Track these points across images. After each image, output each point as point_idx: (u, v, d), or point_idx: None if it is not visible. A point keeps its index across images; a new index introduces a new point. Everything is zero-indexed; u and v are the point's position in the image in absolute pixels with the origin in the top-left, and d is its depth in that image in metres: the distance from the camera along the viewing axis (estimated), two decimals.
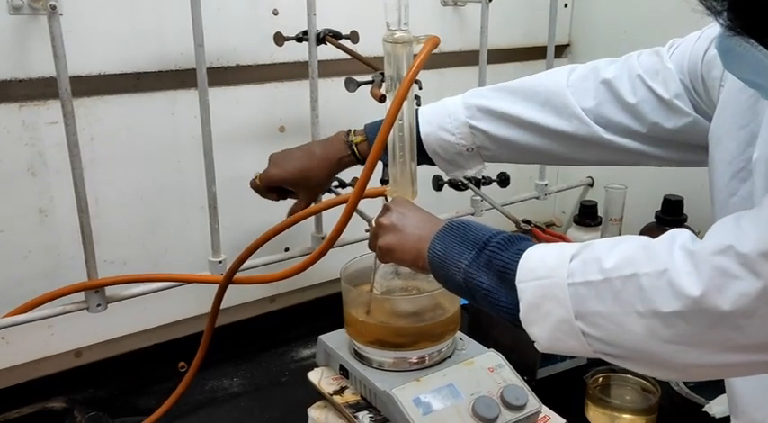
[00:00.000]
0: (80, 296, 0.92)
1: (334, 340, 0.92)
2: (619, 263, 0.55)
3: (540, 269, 0.60)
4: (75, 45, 0.86)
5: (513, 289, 0.61)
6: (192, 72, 0.95)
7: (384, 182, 0.90)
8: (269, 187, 0.96)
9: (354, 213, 0.79)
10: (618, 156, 0.83)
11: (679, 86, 0.76)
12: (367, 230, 0.85)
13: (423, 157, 0.88)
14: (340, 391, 0.88)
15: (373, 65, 0.86)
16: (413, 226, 0.73)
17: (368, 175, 0.74)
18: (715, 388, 0.95)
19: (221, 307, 0.95)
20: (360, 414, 0.83)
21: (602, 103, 0.81)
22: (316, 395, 0.93)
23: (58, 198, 0.94)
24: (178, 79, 1.01)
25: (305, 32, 1.02)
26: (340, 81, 0.97)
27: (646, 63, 0.79)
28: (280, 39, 1.02)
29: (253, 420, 0.98)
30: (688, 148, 0.79)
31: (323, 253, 0.85)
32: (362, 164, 0.92)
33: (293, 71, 1.10)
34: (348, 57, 1.03)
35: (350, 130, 0.93)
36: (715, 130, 0.69)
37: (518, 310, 0.61)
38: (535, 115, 0.84)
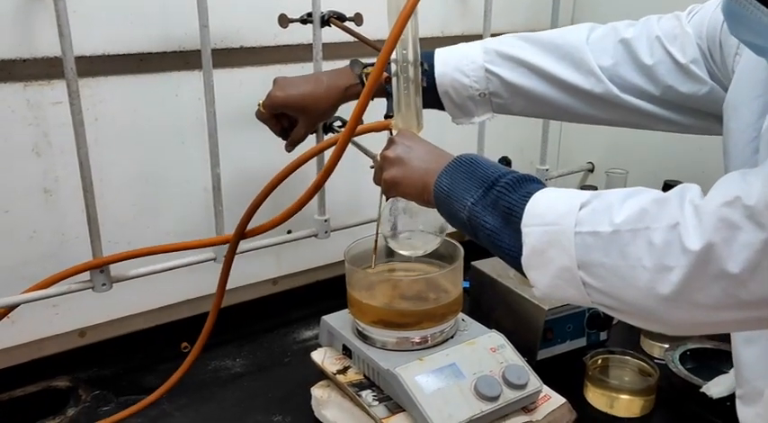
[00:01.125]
0: (85, 276, 0.92)
1: (338, 321, 0.93)
2: (630, 216, 0.55)
3: (548, 215, 0.60)
4: (79, 25, 0.86)
5: (518, 232, 0.62)
6: (196, 53, 0.96)
7: (388, 117, 0.90)
8: (272, 113, 0.95)
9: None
10: (630, 117, 0.84)
11: (696, 52, 0.77)
12: (372, 167, 0.83)
13: (433, 99, 0.88)
14: (343, 371, 0.89)
15: (378, 47, 0.86)
16: (419, 159, 0.73)
17: (368, 95, 0.70)
18: (713, 369, 0.97)
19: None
20: (363, 393, 0.84)
21: (619, 63, 0.82)
22: (318, 375, 0.94)
23: (62, 178, 0.95)
24: (182, 60, 1.01)
25: (309, 14, 1.02)
26: (344, 64, 0.97)
27: (665, 26, 0.80)
28: (284, 20, 1.02)
29: (256, 400, 0.99)
30: (700, 114, 0.80)
31: (322, 182, 0.81)
32: (372, 98, 0.92)
33: (297, 54, 1.10)
34: (352, 40, 1.03)
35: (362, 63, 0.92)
36: (731, 100, 0.69)
37: (520, 254, 0.62)
38: (553, 67, 0.84)
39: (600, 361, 1.00)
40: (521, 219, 0.62)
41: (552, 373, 0.88)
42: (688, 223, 0.52)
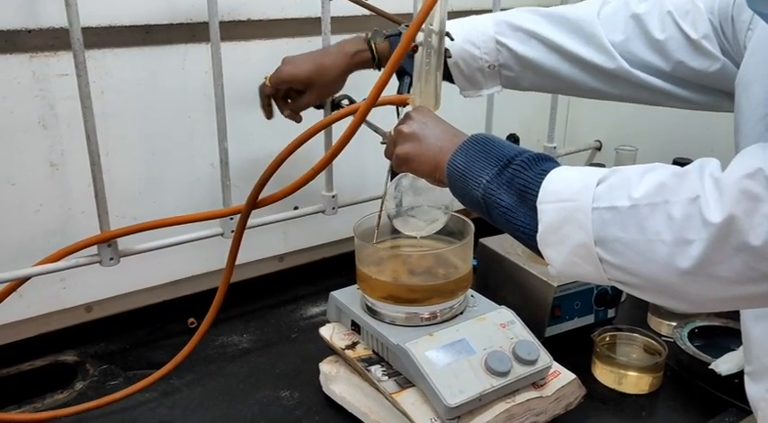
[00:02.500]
0: (93, 250, 0.92)
1: (346, 296, 0.93)
2: (649, 190, 0.55)
3: (564, 192, 0.59)
4: None
5: (533, 210, 0.61)
6: (204, 25, 0.94)
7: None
8: (277, 88, 0.94)
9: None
10: (640, 93, 0.83)
11: (708, 27, 0.76)
12: (382, 142, 0.82)
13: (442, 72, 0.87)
14: (352, 346, 0.89)
15: (393, 18, 0.84)
16: (434, 137, 0.72)
17: (391, 71, 0.69)
18: (721, 347, 0.96)
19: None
20: (372, 368, 0.84)
21: (630, 38, 0.81)
22: (326, 350, 0.94)
23: (69, 151, 0.94)
24: (189, 32, 0.99)
25: None
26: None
27: (677, 1, 0.79)
28: None
29: (264, 375, 0.99)
30: (711, 91, 0.79)
31: (338, 150, 0.77)
32: (378, 66, 0.92)
33: (305, 27, 1.09)
34: (361, 13, 1.01)
35: (368, 32, 0.91)
36: (743, 76, 0.68)
37: (535, 231, 0.61)
38: (564, 40, 0.84)
39: (608, 338, 1.00)
40: (536, 196, 0.61)
41: (560, 350, 0.88)
42: (708, 196, 0.52)
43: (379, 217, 0.88)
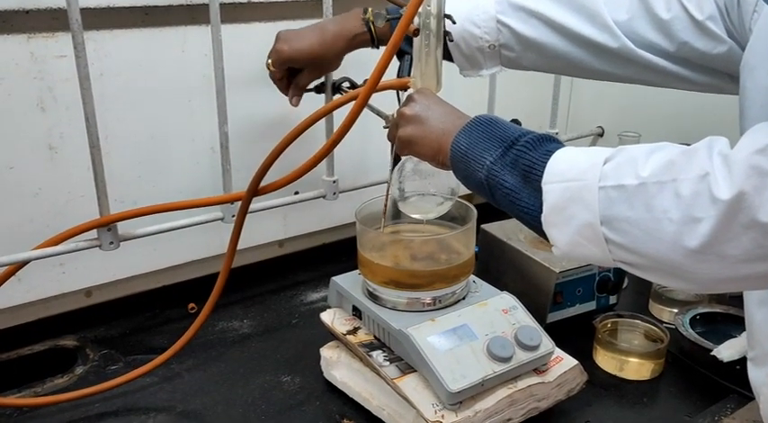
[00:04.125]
0: (92, 234, 0.91)
1: (347, 282, 0.92)
2: (657, 168, 0.54)
3: (570, 171, 0.59)
4: None
5: (537, 190, 0.61)
6: (203, 7, 0.93)
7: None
8: (281, 70, 0.94)
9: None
10: (644, 74, 0.82)
11: (713, 8, 0.75)
12: (385, 126, 0.81)
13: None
14: (353, 332, 0.89)
15: (398, 1, 0.83)
16: (437, 119, 0.71)
17: (389, 57, 0.69)
18: (723, 333, 0.96)
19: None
20: (374, 353, 0.84)
21: (635, 18, 0.80)
22: (327, 336, 0.94)
23: (67, 134, 0.93)
24: (188, 14, 0.98)
25: None
26: None
27: None
28: None
29: (265, 360, 0.98)
30: (715, 73, 0.79)
31: (339, 138, 0.78)
32: (377, 46, 0.91)
33: (306, 9, 1.07)
34: None
35: (366, 9, 0.90)
36: (748, 59, 0.67)
37: (539, 212, 0.61)
38: (567, 20, 0.83)
39: (609, 324, 1.00)
40: (541, 177, 0.60)
41: (561, 337, 0.87)
42: (717, 173, 0.51)
43: (386, 202, 0.87)
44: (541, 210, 0.60)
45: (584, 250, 0.59)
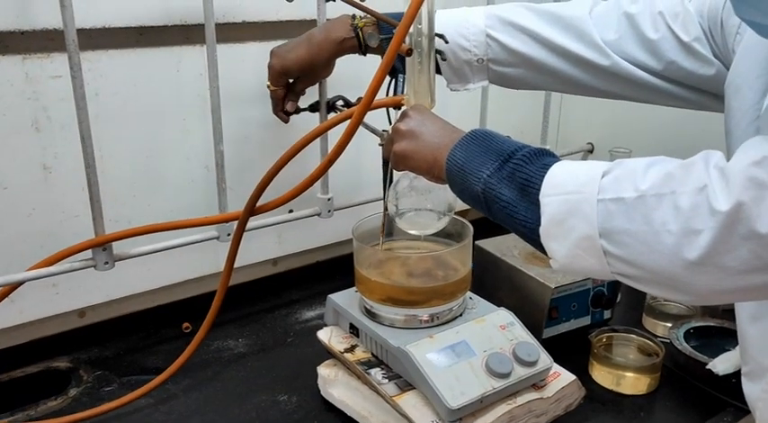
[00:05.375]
0: (87, 254, 0.90)
1: (344, 299, 0.92)
2: (656, 181, 0.55)
3: (568, 184, 0.59)
4: None
5: (535, 204, 0.61)
6: (198, 27, 0.94)
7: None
8: (279, 85, 0.94)
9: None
10: (633, 90, 0.84)
11: (699, 31, 0.77)
12: (380, 144, 0.82)
13: None
14: (351, 350, 0.88)
15: (388, 20, 0.84)
16: (431, 134, 0.72)
17: (382, 77, 0.70)
18: (717, 346, 0.97)
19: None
20: (372, 371, 0.84)
21: (623, 38, 0.82)
22: (323, 354, 0.93)
23: (62, 154, 0.92)
24: (183, 35, 0.98)
25: None
26: None
27: (667, 3, 0.80)
28: None
29: (261, 380, 0.98)
30: (702, 92, 0.80)
31: (335, 157, 0.79)
32: (365, 52, 0.91)
33: (300, 29, 1.07)
34: (357, 15, 1.01)
35: (354, 15, 0.91)
36: (733, 79, 0.69)
37: (537, 225, 0.61)
38: (556, 36, 0.84)
39: (605, 339, 1.00)
40: (539, 190, 0.61)
41: (557, 352, 0.87)
42: (715, 185, 0.52)
43: (384, 219, 0.87)
44: (539, 222, 0.61)
45: (583, 263, 0.60)
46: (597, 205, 0.57)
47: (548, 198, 0.60)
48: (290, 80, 0.96)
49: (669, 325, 1.06)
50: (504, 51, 0.87)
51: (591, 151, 1.49)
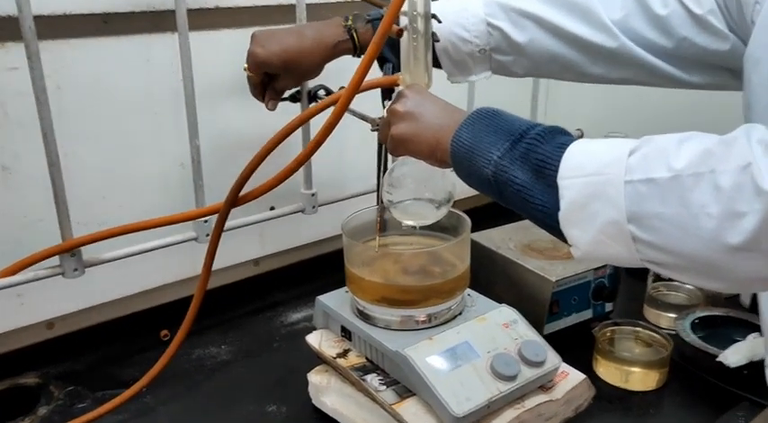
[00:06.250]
0: (54, 261, 0.83)
1: (334, 300, 0.87)
2: (693, 159, 0.50)
3: (590, 165, 0.54)
4: None
5: (552, 187, 0.56)
6: (167, 14, 0.87)
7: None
8: (260, 75, 0.88)
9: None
10: (642, 75, 0.79)
11: (712, 2, 0.72)
12: (372, 130, 0.77)
13: None
14: (343, 354, 0.83)
15: (375, 1, 0.79)
16: (432, 114, 0.67)
17: (373, 56, 0.64)
18: (723, 337, 0.93)
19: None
20: (368, 377, 0.78)
21: (630, 15, 0.77)
22: (313, 359, 0.88)
23: (22, 154, 0.85)
24: (152, 21, 0.91)
25: None
26: None
27: None
28: None
29: (247, 389, 0.92)
30: (717, 70, 0.76)
31: (323, 139, 0.73)
32: (360, 54, 0.86)
33: (277, 15, 1.02)
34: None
35: (348, 16, 0.85)
36: (753, 52, 0.64)
37: (555, 210, 0.56)
38: (560, 19, 0.79)
39: (608, 333, 0.96)
40: (556, 171, 0.56)
41: (559, 348, 0.82)
42: (760, 163, 0.47)
43: (379, 214, 0.81)
44: (557, 207, 0.56)
45: (609, 250, 0.55)
46: (625, 187, 0.52)
47: (567, 181, 0.55)
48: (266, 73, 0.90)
49: (672, 315, 1.02)
50: (505, 40, 0.82)
51: (581, 137, 1.44)
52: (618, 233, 0.53)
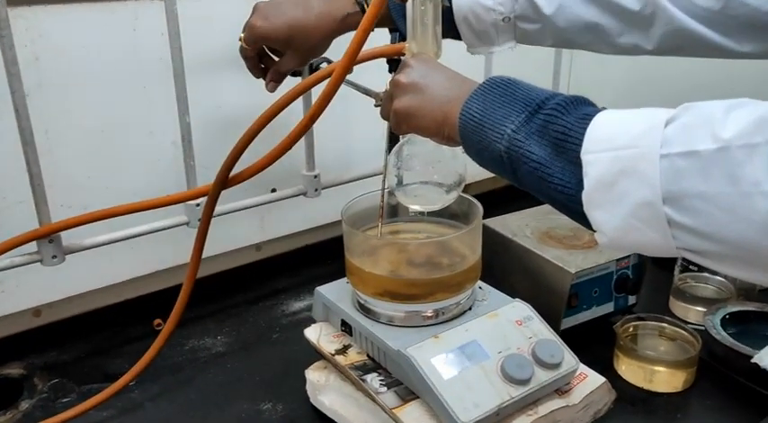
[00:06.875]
0: (32, 246, 0.78)
1: (334, 292, 0.80)
2: (744, 129, 0.42)
3: (619, 137, 0.46)
4: None
5: (574, 163, 0.49)
6: None
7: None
8: (254, 48, 0.81)
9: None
10: (684, 44, 0.71)
11: None
12: (376, 105, 0.70)
13: (447, 27, 0.74)
14: (343, 351, 0.76)
15: None
16: (439, 85, 0.60)
17: (373, 18, 0.58)
18: (757, 334, 0.86)
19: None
20: (368, 376, 0.72)
21: None
22: (313, 353, 0.81)
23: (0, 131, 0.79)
24: None
25: None
26: None
27: None
28: None
29: (243, 384, 0.86)
30: (765, 36, 0.67)
31: (318, 112, 0.66)
32: (372, 29, 0.79)
33: None
34: None
35: None
36: None
37: (577, 190, 0.49)
38: None
39: (631, 329, 0.89)
40: (580, 145, 0.48)
41: (577, 345, 0.75)
42: None
43: (383, 200, 0.74)
44: (580, 187, 0.49)
45: (639, 237, 0.47)
46: (660, 162, 0.44)
47: (592, 155, 0.47)
48: (268, 49, 0.83)
49: (700, 309, 0.94)
50: (532, 6, 0.75)
51: None
52: (651, 216, 0.45)
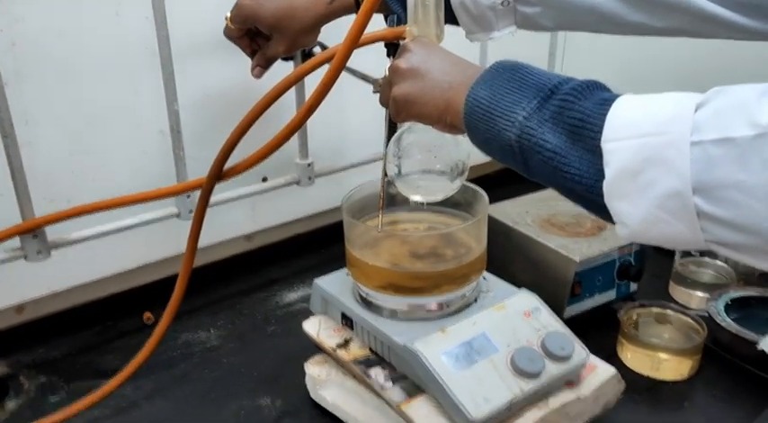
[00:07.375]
0: (15, 242, 0.74)
1: (334, 284, 0.77)
2: None
3: (643, 124, 0.44)
4: None
5: (592, 152, 0.46)
6: None
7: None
8: (241, 29, 0.79)
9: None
10: (694, 22, 0.67)
11: None
12: (375, 91, 0.67)
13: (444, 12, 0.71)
14: (344, 345, 0.74)
15: None
16: (441, 70, 0.57)
17: (373, 3, 0.55)
18: (760, 320, 0.85)
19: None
20: (372, 372, 0.70)
21: None
22: (311, 347, 0.79)
23: None
24: None
25: None
26: None
27: None
28: None
29: (239, 379, 0.83)
30: None
31: (317, 103, 0.63)
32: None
33: None
34: None
35: None
36: None
37: (596, 180, 0.46)
38: None
39: (634, 316, 0.87)
40: (599, 132, 0.45)
41: (580, 333, 0.73)
42: None
43: (383, 192, 0.72)
44: (599, 176, 0.46)
45: (665, 228, 0.44)
46: (691, 150, 0.41)
47: (613, 143, 0.45)
48: (257, 34, 0.79)
49: (701, 294, 0.93)
50: None
51: None
52: (679, 207, 0.43)
